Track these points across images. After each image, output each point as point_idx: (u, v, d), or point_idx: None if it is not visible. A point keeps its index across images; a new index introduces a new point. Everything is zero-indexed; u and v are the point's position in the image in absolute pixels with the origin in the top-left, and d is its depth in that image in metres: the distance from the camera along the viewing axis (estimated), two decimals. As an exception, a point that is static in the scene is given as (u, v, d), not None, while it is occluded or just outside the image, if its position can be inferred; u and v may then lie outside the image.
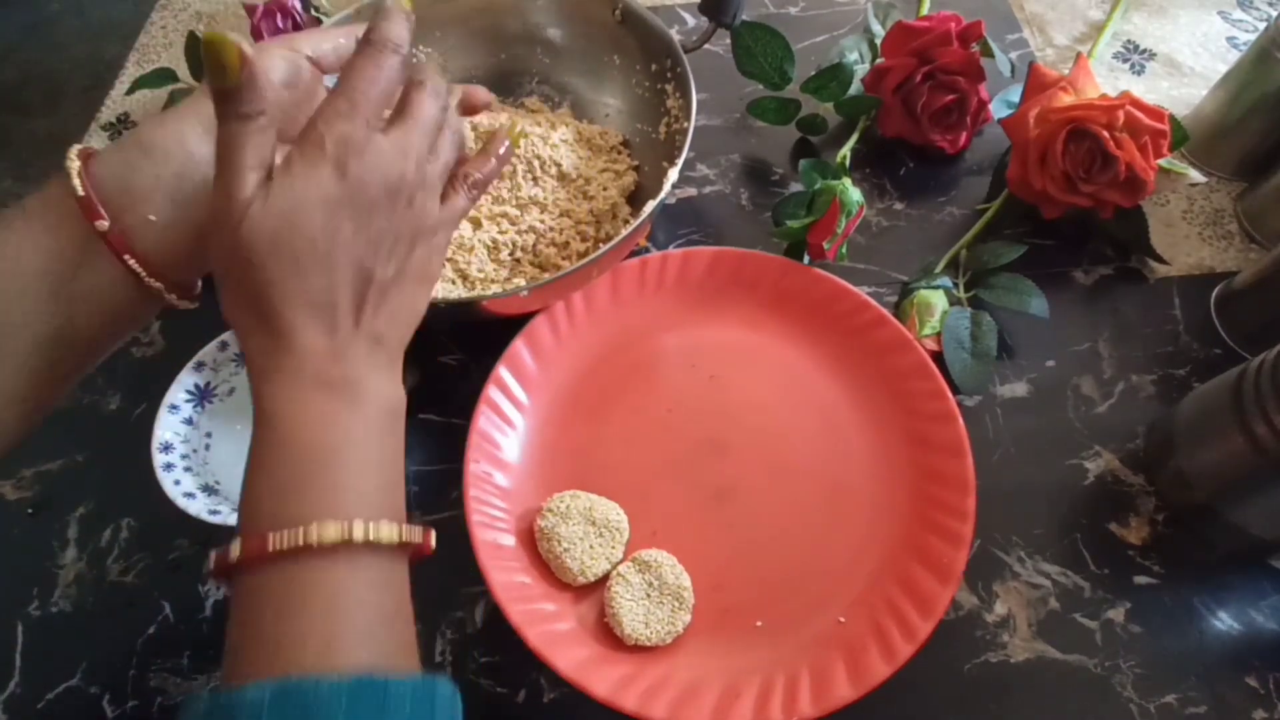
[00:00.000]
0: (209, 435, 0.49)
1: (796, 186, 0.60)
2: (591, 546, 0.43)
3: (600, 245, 0.53)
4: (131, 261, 0.32)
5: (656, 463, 0.48)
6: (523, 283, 0.53)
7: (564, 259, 0.54)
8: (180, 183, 0.33)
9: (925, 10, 0.68)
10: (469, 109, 0.40)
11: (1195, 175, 0.59)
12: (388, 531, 0.28)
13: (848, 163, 0.59)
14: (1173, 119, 0.53)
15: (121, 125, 0.69)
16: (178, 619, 0.46)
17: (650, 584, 0.43)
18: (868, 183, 0.60)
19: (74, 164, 0.32)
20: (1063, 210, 0.54)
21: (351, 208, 0.29)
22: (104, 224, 0.31)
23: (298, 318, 0.29)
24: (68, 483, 0.50)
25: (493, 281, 0.53)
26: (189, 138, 0.33)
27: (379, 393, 0.31)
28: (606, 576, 0.44)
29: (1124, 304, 0.54)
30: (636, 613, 0.42)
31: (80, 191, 0.31)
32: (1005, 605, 0.44)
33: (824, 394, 0.50)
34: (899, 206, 0.59)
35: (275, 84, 0.33)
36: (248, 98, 0.29)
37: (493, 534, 0.44)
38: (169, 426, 0.47)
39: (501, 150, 0.36)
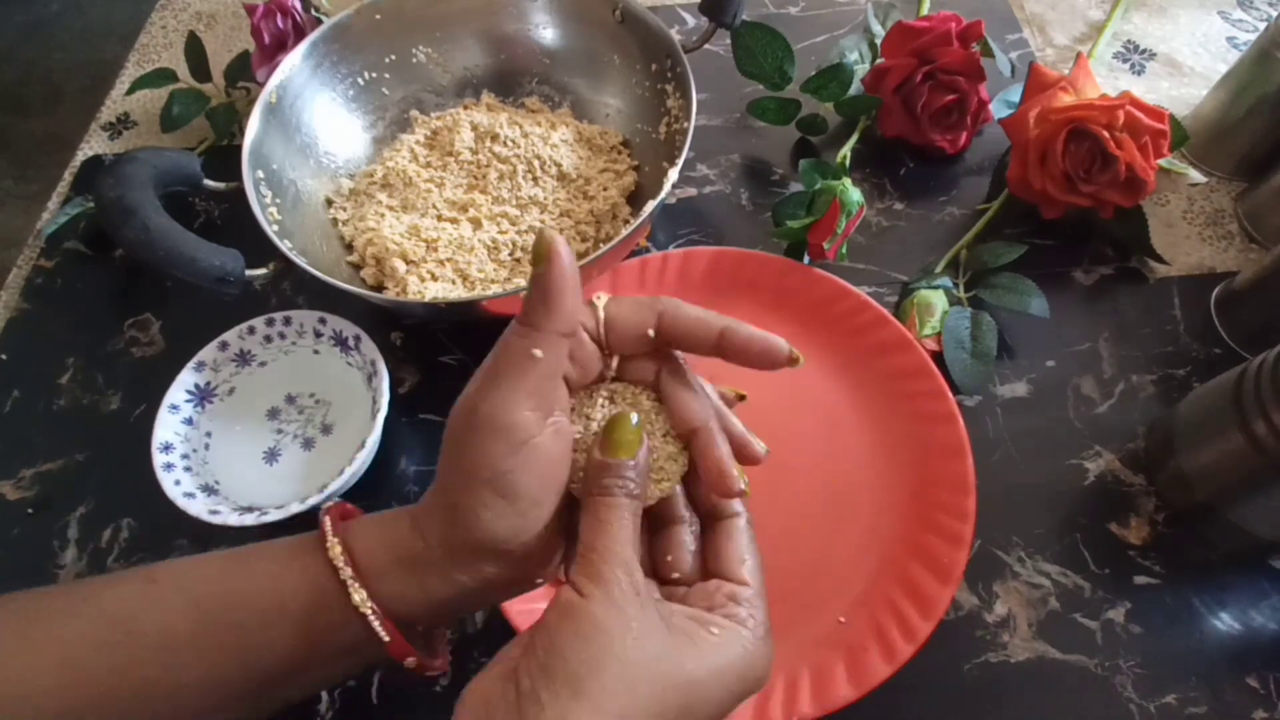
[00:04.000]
0: (209, 435, 0.49)
1: (796, 186, 0.60)
2: (591, 547, 0.43)
3: (600, 245, 0.53)
4: (410, 661, 0.28)
5: (656, 463, 0.48)
6: (523, 283, 0.53)
7: (564, 259, 0.54)
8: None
9: (925, 10, 0.68)
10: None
11: (1195, 175, 0.59)
12: None
13: (848, 163, 0.59)
14: (1173, 119, 0.53)
15: (122, 125, 0.69)
16: (178, 619, 0.45)
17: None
18: (868, 183, 0.60)
19: (361, 598, 0.27)
20: (1063, 210, 0.54)
21: None
22: (412, 661, 0.28)
23: None
24: (68, 483, 0.50)
25: (493, 281, 0.53)
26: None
27: None
28: (606, 576, 0.43)
29: (1124, 304, 0.54)
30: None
31: (386, 637, 0.27)
32: (1005, 605, 0.44)
33: (824, 394, 0.50)
34: (899, 206, 0.59)
35: None
36: (635, 480, 0.26)
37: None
38: (169, 426, 0.47)
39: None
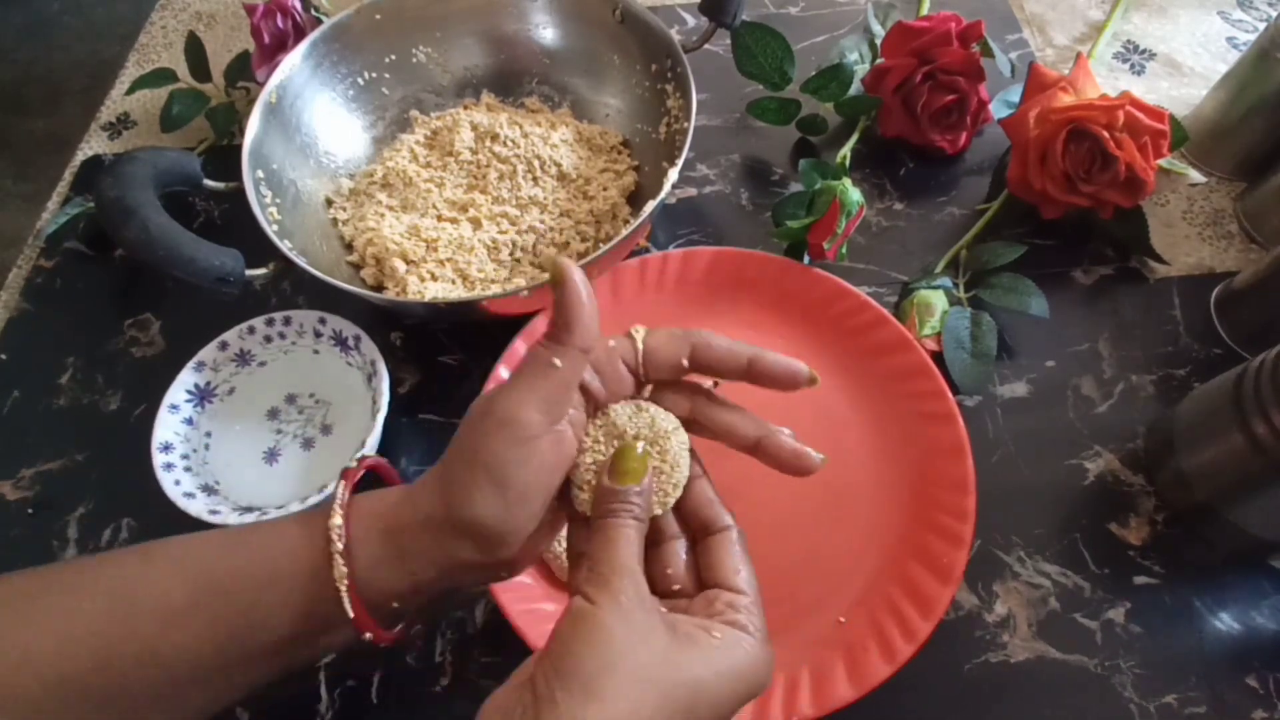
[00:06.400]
0: (209, 435, 0.49)
1: (796, 186, 0.60)
2: (591, 546, 0.43)
3: (600, 245, 0.53)
4: (368, 636, 0.30)
5: (656, 463, 0.48)
6: (523, 283, 0.53)
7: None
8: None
9: (925, 10, 0.68)
10: None
11: (1195, 175, 0.59)
12: None
13: (848, 163, 0.59)
14: (1172, 119, 0.53)
15: (121, 125, 0.69)
16: (178, 619, 0.45)
17: (650, 584, 0.42)
18: (868, 183, 0.60)
19: (343, 585, 0.28)
20: (1063, 210, 0.54)
21: None
22: (370, 636, 0.30)
23: None
24: (68, 483, 0.50)
25: (493, 281, 0.53)
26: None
27: None
28: (606, 576, 0.43)
29: (1124, 304, 0.54)
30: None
31: (351, 612, 0.29)
32: (1005, 605, 0.44)
33: (824, 394, 0.49)
34: (899, 206, 0.59)
35: None
36: (641, 504, 0.28)
37: (493, 534, 0.44)
38: (169, 426, 0.47)
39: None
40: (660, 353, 0.31)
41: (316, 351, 0.52)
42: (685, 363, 0.31)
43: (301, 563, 0.29)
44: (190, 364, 0.49)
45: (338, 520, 0.29)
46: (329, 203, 0.58)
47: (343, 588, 0.28)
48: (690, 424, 0.32)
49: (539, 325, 0.50)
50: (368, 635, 0.30)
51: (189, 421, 0.48)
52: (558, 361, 0.28)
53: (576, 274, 0.28)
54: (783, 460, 0.31)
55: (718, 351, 0.31)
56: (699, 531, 0.31)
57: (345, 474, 0.32)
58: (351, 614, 0.29)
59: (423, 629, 0.44)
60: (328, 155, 0.59)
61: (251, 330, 0.51)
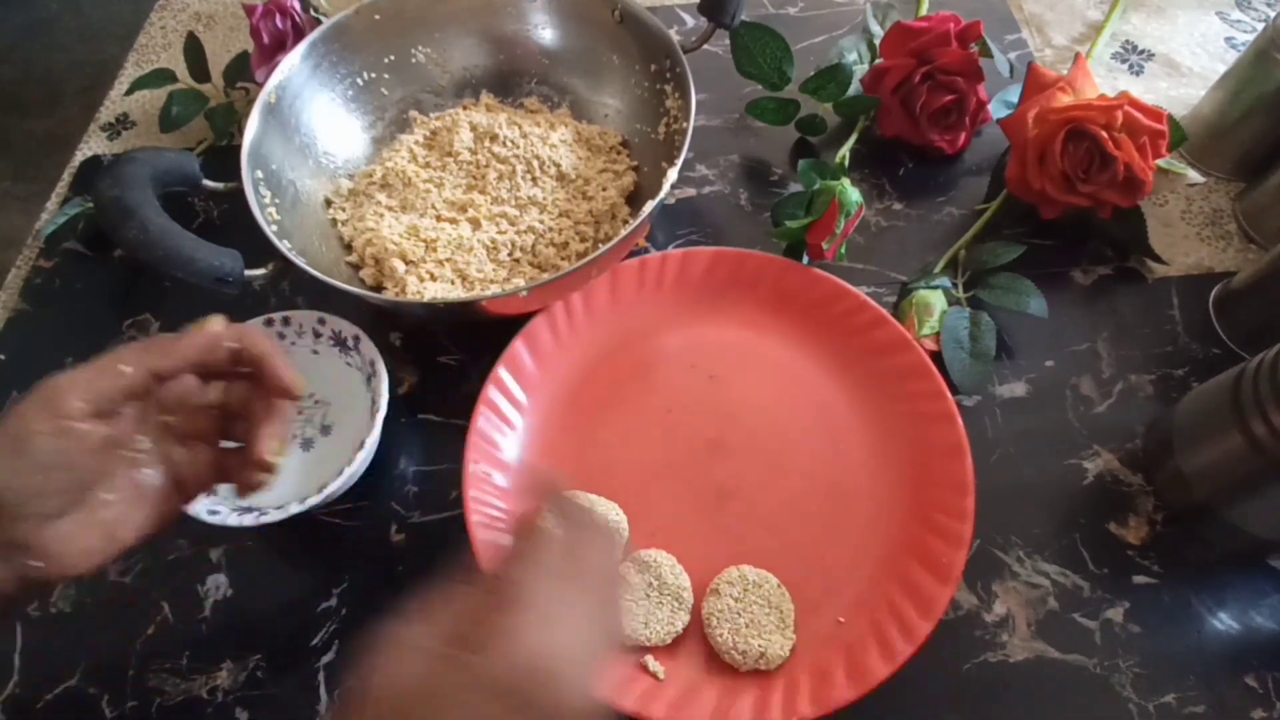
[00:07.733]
0: (208, 435, 0.49)
1: (795, 187, 0.60)
2: (591, 546, 0.43)
3: (599, 245, 0.53)
4: None
5: (656, 463, 0.48)
6: (522, 283, 0.53)
7: (563, 259, 0.54)
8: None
9: (924, 10, 0.68)
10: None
11: (1194, 175, 0.59)
12: None
13: (847, 163, 0.59)
14: (1171, 119, 0.53)
15: (121, 126, 0.69)
16: (176, 619, 0.45)
17: (650, 584, 0.43)
18: (867, 183, 0.60)
19: None
20: (1061, 210, 0.54)
21: None
22: None
23: None
24: (67, 483, 0.50)
25: (492, 282, 0.53)
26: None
27: None
28: (606, 576, 0.44)
29: (1123, 304, 0.54)
30: (636, 613, 0.42)
31: None
32: (1004, 605, 0.44)
33: (823, 394, 0.50)
34: (898, 207, 0.59)
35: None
36: None
37: (492, 534, 0.44)
38: (168, 427, 0.47)
39: None
40: (197, 340, 0.34)
41: (315, 352, 0.52)
42: (220, 325, 0.35)
43: None
44: (189, 364, 0.49)
45: None
46: (328, 203, 0.58)
47: None
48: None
49: (538, 326, 0.50)
50: None
51: (188, 422, 0.48)
52: (124, 369, 0.31)
53: (212, 331, 0.33)
54: (247, 451, 0.34)
55: (239, 327, 0.35)
56: None
57: None
58: None
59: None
60: (327, 155, 0.59)
61: (250, 330, 0.51)
